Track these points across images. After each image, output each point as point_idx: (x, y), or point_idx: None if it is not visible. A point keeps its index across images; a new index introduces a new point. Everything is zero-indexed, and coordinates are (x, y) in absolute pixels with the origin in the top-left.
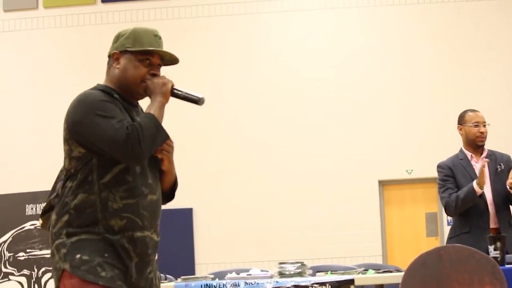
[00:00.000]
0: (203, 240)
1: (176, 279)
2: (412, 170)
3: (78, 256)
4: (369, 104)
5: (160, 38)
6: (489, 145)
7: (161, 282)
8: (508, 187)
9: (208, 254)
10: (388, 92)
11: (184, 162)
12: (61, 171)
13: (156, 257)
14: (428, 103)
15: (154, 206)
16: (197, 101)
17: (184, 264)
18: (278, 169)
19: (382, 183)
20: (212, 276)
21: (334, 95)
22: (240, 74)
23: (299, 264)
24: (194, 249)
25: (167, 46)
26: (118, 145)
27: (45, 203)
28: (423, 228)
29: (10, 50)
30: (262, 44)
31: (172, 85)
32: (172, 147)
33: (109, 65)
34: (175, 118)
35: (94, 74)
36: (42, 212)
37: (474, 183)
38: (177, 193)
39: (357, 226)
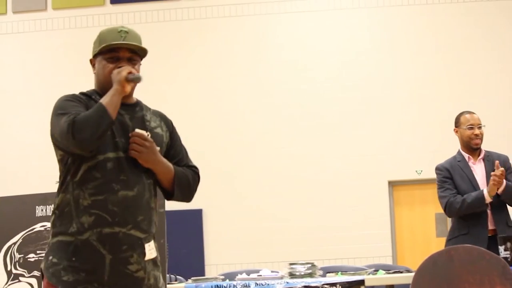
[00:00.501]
0: (213, 241)
1: (187, 280)
2: (421, 171)
3: (50, 258)
4: (378, 105)
5: (126, 32)
6: (498, 145)
7: (171, 283)
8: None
9: (218, 255)
10: (397, 92)
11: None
12: None
13: (153, 256)
14: (438, 103)
15: (129, 202)
16: (136, 78)
17: (194, 265)
18: (288, 170)
19: (392, 184)
20: (223, 277)
21: (344, 95)
22: (250, 74)
23: (310, 265)
24: (204, 250)
25: (177, 47)
26: (63, 137)
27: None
28: (433, 229)
29: (19, 52)
30: (271, 45)
31: (129, 72)
32: (144, 145)
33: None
34: (184, 119)
35: None
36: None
37: (485, 191)
38: None
39: (367, 226)
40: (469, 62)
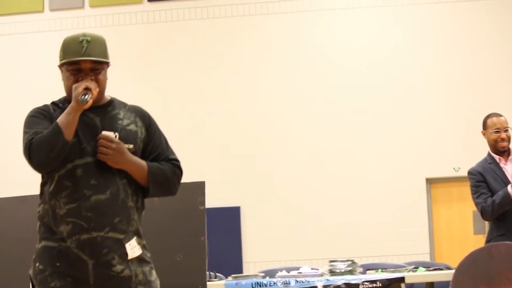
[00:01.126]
0: (250, 239)
1: (226, 278)
2: (459, 168)
3: (37, 264)
4: (416, 102)
5: (88, 41)
6: None
7: (211, 281)
8: None
9: (255, 253)
10: (435, 89)
11: (230, 161)
12: None
13: (137, 255)
14: (476, 100)
15: (102, 205)
16: (81, 101)
17: (231, 263)
18: (327, 167)
19: (430, 181)
20: (263, 274)
21: (381, 91)
22: (286, 71)
23: (350, 262)
24: (241, 247)
25: (214, 45)
26: (25, 157)
27: None
28: (470, 226)
29: (56, 50)
30: (307, 42)
31: (86, 87)
32: (110, 147)
33: None
34: (221, 116)
35: (139, 72)
36: None
37: (509, 188)
38: (224, 191)
39: (404, 224)
40: (508, 58)
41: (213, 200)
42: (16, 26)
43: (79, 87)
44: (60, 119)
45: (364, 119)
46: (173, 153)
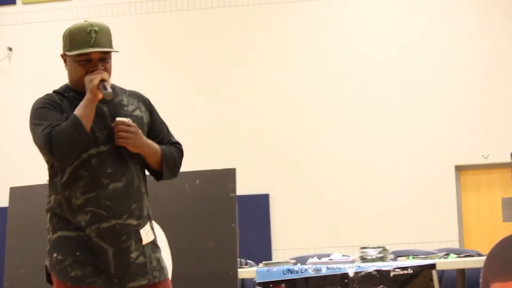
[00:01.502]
0: (279, 226)
1: (257, 264)
2: (488, 155)
3: (54, 255)
4: (445, 89)
5: (95, 31)
6: None
7: (242, 268)
8: None
9: (285, 240)
10: (463, 76)
11: (260, 148)
12: None
13: (151, 239)
14: (505, 87)
15: (120, 193)
16: (106, 94)
17: (261, 250)
18: (356, 154)
19: (459, 168)
20: (294, 261)
21: (410, 79)
22: (315, 58)
23: (381, 249)
24: (271, 235)
25: (243, 32)
26: (42, 151)
27: None
28: (499, 213)
29: None
30: (337, 29)
31: (102, 79)
32: (130, 131)
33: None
34: (252, 104)
35: (168, 60)
36: None
37: None
38: (253, 179)
39: (433, 211)
40: None
41: (242, 187)
42: (43, 14)
43: (95, 79)
44: (78, 112)
45: (394, 107)
46: (173, 137)
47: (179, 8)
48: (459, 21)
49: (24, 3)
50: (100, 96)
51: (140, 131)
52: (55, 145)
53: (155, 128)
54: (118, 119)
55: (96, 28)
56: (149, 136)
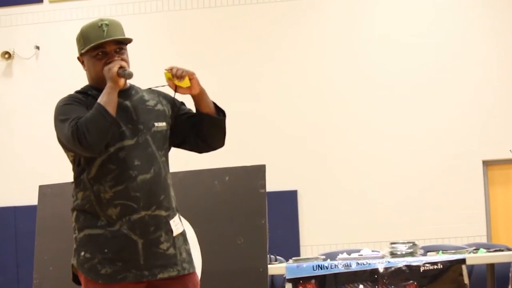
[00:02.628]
0: (308, 222)
1: (287, 261)
2: None
3: (82, 253)
4: (471, 83)
5: (106, 24)
6: None
7: (271, 264)
8: None
9: (313, 236)
10: (490, 70)
11: (288, 144)
12: None
13: (180, 231)
14: None
15: (149, 184)
16: (128, 74)
17: (289, 247)
18: (384, 150)
19: (486, 163)
20: (323, 257)
21: (437, 74)
22: (343, 54)
23: (411, 244)
24: (299, 231)
25: (272, 28)
26: (70, 143)
27: None
28: None
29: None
30: (365, 24)
31: (120, 66)
32: (187, 70)
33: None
34: (279, 100)
35: (199, 57)
36: None
37: None
38: (281, 176)
39: (461, 206)
40: None
41: (270, 184)
42: (71, 13)
43: (114, 67)
44: (101, 99)
45: (420, 103)
46: None
47: (206, 5)
48: (491, 13)
49: (51, 2)
50: (122, 83)
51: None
52: (83, 133)
53: (184, 109)
54: (167, 67)
55: (107, 22)
56: (179, 119)
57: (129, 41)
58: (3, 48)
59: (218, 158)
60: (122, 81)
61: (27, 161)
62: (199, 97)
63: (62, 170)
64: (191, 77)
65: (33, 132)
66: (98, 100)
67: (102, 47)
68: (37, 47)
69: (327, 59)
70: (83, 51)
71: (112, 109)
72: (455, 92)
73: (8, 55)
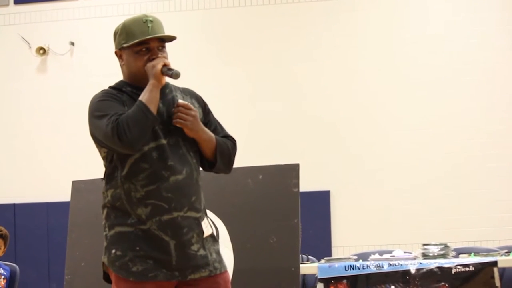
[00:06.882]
0: (340, 223)
1: (319, 261)
2: None
3: (113, 251)
4: (506, 84)
5: (151, 21)
6: None
7: (303, 263)
8: None
9: (345, 237)
10: None
11: (321, 145)
12: None
13: (210, 232)
14: None
15: (181, 185)
16: (175, 74)
17: (321, 247)
18: (418, 151)
19: None
20: (355, 257)
21: (474, 75)
22: (381, 54)
23: (443, 246)
24: (331, 231)
25: (310, 28)
26: (109, 140)
27: None
28: None
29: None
30: (403, 24)
31: (164, 64)
32: (189, 114)
33: (119, 63)
34: (315, 99)
35: (234, 55)
36: None
37: None
38: (313, 176)
39: (494, 209)
40: None
41: (303, 184)
42: (106, 9)
43: (158, 64)
44: (143, 97)
45: (459, 103)
46: (227, 131)
47: (242, 4)
48: None
49: None
50: (164, 81)
51: (198, 116)
52: (124, 130)
53: (209, 123)
54: (180, 101)
55: (151, 18)
56: None
57: (172, 39)
58: (38, 44)
59: (252, 157)
60: (164, 79)
61: (60, 157)
62: (197, 140)
63: (94, 166)
64: (181, 125)
65: (67, 128)
66: (140, 97)
67: (146, 43)
68: (72, 43)
69: (364, 59)
70: (125, 45)
71: (153, 107)
72: (494, 93)
73: (43, 51)
